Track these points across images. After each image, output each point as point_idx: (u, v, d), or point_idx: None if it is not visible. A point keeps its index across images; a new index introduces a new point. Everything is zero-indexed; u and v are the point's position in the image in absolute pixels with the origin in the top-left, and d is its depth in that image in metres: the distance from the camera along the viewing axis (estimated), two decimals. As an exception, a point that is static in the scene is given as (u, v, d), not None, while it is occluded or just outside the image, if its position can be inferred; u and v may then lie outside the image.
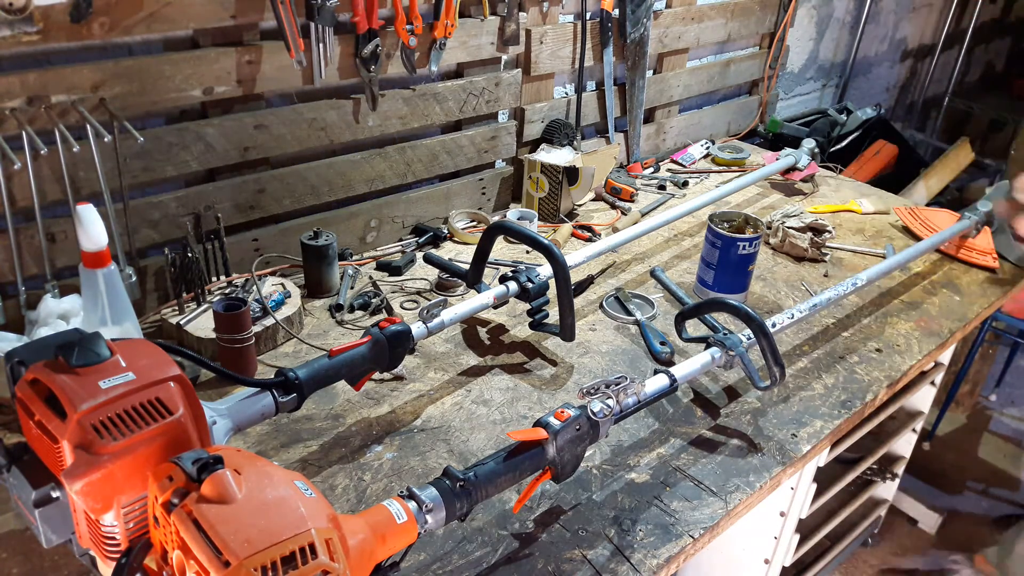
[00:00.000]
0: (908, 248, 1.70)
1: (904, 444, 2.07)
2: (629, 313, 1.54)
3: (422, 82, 1.68)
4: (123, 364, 0.79)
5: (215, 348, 1.29)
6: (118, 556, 0.76)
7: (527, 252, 1.75)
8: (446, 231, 1.78)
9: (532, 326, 1.42)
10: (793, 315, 1.39)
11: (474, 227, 1.85)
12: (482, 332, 1.48)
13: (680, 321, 1.35)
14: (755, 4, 2.34)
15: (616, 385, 1.08)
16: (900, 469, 2.10)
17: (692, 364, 1.23)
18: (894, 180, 2.48)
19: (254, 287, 1.42)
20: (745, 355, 1.26)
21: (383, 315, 1.49)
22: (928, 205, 2.35)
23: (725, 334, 1.28)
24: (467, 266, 1.45)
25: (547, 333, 1.43)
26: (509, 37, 1.75)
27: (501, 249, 1.75)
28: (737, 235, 1.54)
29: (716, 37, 2.29)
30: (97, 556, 0.80)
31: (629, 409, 1.10)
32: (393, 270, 1.62)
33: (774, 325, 1.34)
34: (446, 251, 1.74)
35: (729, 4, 2.26)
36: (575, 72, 1.97)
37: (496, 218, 1.85)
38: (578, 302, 1.58)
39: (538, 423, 1.00)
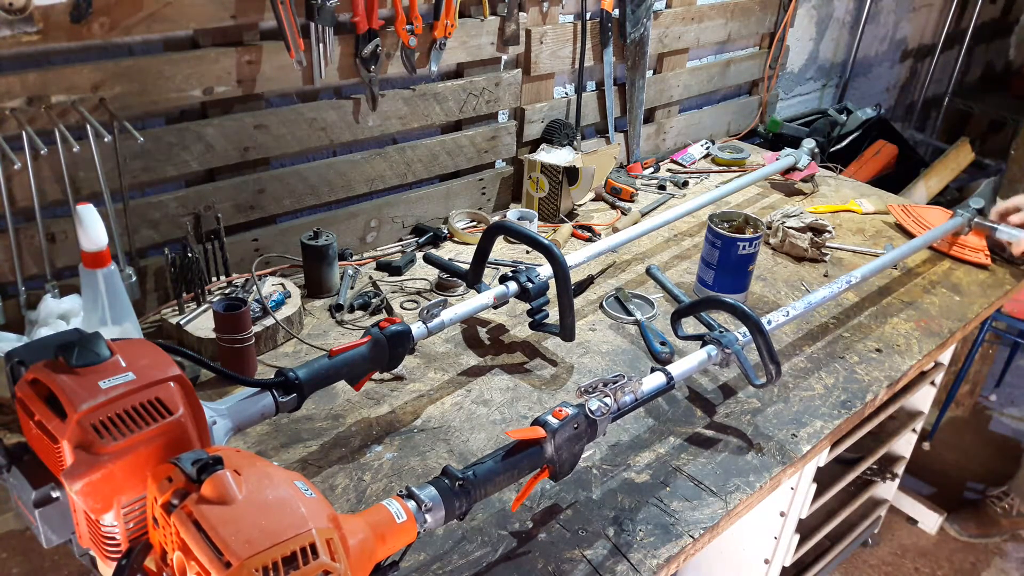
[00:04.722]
0: (902, 245, 1.70)
1: (904, 444, 2.07)
2: (629, 313, 1.54)
3: (422, 82, 1.68)
4: (123, 364, 0.79)
5: (215, 348, 1.29)
6: (118, 556, 0.76)
7: (527, 252, 1.75)
8: (446, 231, 1.78)
9: (532, 326, 1.42)
10: (788, 313, 1.39)
11: (474, 227, 1.85)
12: (482, 332, 1.48)
13: (676, 319, 1.35)
14: (755, 4, 2.34)
15: (614, 383, 1.08)
16: (900, 469, 2.10)
17: (688, 362, 1.23)
18: (894, 180, 2.48)
19: (254, 287, 1.42)
20: (741, 353, 1.26)
21: (383, 315, 1.50)
22: (928, 205, 2.35)
23: (721, 332, 1.28)
24: (467, 266, 1.45)
25: (547, 333, 1.43)
26: (509, 37, 1.75)
27: (501, 249, 1.75)
28: (737, 235, 1.54)
29: (716, 37, 2.29)
30: (97, 556, 0.80)
31: (627, 407, 1.10)
32: (393, 270, 1.63)
33: (770, 323, 1.34)
34: (446, 251, 1.74)
35: (729, 4, 2.26)
36: (575, 72, 1.98)
37: (496, 218, 1.85)
38: (578, 302, 1.58)
39: (536, 421, 1.00)
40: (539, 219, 1.85)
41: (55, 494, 0.79)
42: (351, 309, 1.50)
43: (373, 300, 1.50)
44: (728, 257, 1.55)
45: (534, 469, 0.99)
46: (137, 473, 0.75)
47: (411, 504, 0.87)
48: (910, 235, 1.90)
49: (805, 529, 1.69)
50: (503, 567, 1.00)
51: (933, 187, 2.51)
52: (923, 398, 1.96)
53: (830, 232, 1.78)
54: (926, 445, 2.74)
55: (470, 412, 1.26)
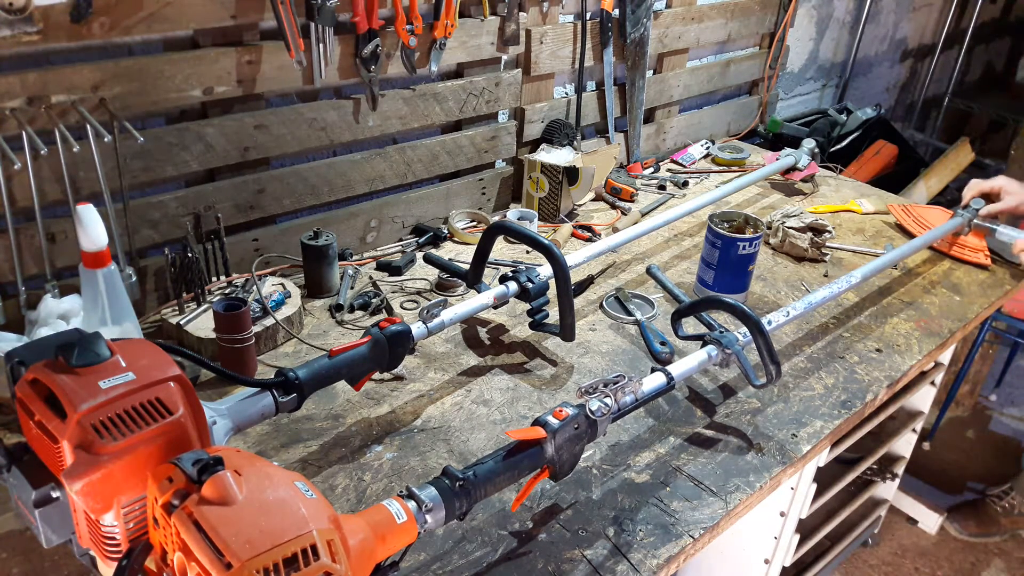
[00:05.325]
0: (902, 245, 1.70)
1: (904, 444, 2.07)
2: (629, 313, 1.54)
3: (422, 82, 1.68)
4: (123, 364, 0.79)
5: (215, 348, 1.29)
6: (118, 556, 0.76)
7: (527, 252, 1.75)
8: (446, 231, 1.78)
9: (532, 326, 1.42)
10: (788, 313, 1.39)
11: (474, 227, 1.85)
12: (482, 332, 1.48)
13: (676, 319, 1.35)
14: (755, 4, 2.34)
15: (614, 384, 1.08)
16: (900, 469, 2.10)
17: (688, 362, 1.23)
18: (894, 180, 2.48)
19: (254, 287, 1.42)
20: (741, 353, 1.26)
21: (383, 315, 1.50)
22: (928, 205, 2.35)
23: (721, 332, 1.28)
24: (467, 266, 1.45)
25: (547, 333, 1.43)
26: (509, 37, 1.75)
27: (501, 249, 1.75)
28: (737, 235, 1.54)
29: (716, 37, 2.29)
30: (97, 556, 0.80)
31: (627, 407, 1.10)
32: (393, 270, 1.63)
33: (770, 323, 1.34)
34: (446, 251, 1.74)
35: (729, 4, 2.26)
36: (575, 72, 1.97)
37: (496, 218, 1.85)
38: (578, 302, 1.58)
39: (536, 422, 1.00)
40: (539, 219, 1.85)
41: (55, 494, 0.79)
42: (351, 309, 1.50)
43: (373, 300, 1.50)
44: (728, 257, 1.55)
45: (534, 469, 0.99)
46: (137, 473, 0.75)
47: (411, 504, 0.87)
48: (910, 235, 1.90)
49: (805, 529, 1.69)
50: (503, 567, 1.00)
51: (933, 187, 2.51)
52: (923, 398, 1.96)
53: (830, 232, 1.78)
54: (926, 445, 2.74)
55: (470, 412, 1.26)
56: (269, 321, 1.36)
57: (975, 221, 1.82)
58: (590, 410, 1.04)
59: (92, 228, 1.10)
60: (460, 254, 1.71)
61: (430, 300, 1.51)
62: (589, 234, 1.83)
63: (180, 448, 0.78)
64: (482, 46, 1.72)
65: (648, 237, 1.83)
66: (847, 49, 3.00)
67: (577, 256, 1.52)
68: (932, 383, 1.90)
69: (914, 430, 2.02)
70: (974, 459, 2.76)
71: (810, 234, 1.77)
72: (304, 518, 0.69)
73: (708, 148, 2.33)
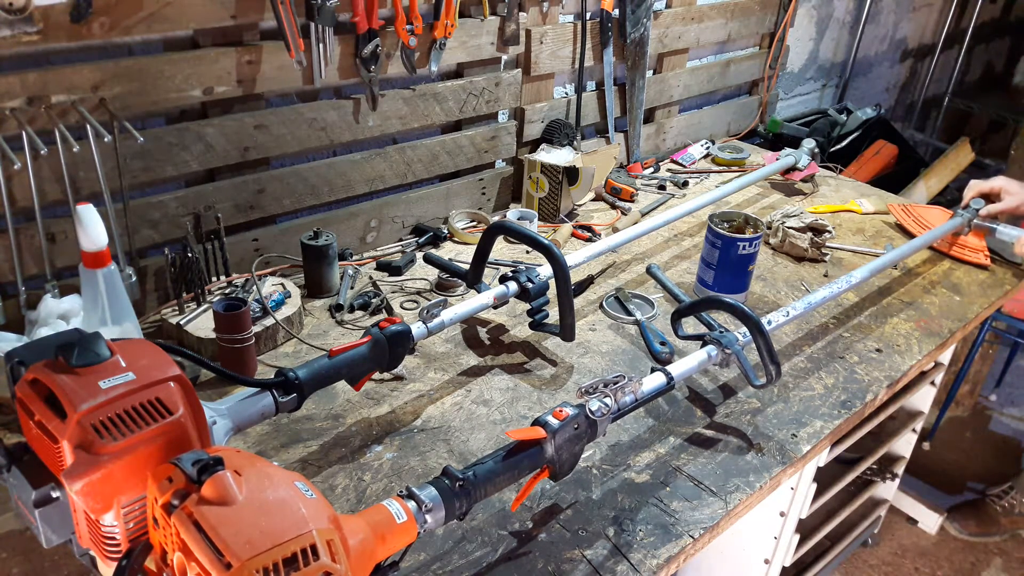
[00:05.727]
0: (902, 245, 1.70)
1: (904, 444, 2.08)
2: (629, 313, 1.54)
3: (422, 82, 1.68)
4: (123, 364, 0.79)
5: (215, 348, 1.29)
6: (118, 556, 0.76)
7: (527, 252, 1.75)
8: (446, 231, 1.78)
9: (532, 326, 1.42)
10: (788, 313, 1.39)
11: (474, 227, 1.85)
12: (482, 332, 1.48)
13: (676, 319, 1.35)
14: (755, 4, 2.34)
15: (614, 384, 1.08)
16: (900, 469, 2.10)
17: (688, 362, 1.23)
18: (894, 180, 2.48)
19: (254, 287, 1.42)
20: (741, 353, 1.26)
21: (383, 315, 1.50)
22: (928, 205, 2.35)
23: (721, 332, 1.28)
24: (467, 266, 1.45)
25: (547, 333, 1.43)
26: (509, 37, 1.75)
27: (501, 249, 1.75)
28: (737, 235, 1.54)
29: (716, 37, 2.29)
30: (97, 556, 0.80)
31: (627, 407, 1.10)
32: (393, 270, 1.63)
33: (770, 323, 1.34)
34: (446, 251, 1.74)
35: (729, 4, 2.26)
36: (575, 72, 1.97)
37: (496, 218, 1.85)
38: (578, 302, 1.58)
39: (536, 422, 1.00)
40: (539, 219, 1.85)
41: (55, 494, 0.79)
42: (351, 309, 1.50)
43: (373, 300, 1.50)
44: (728, 257, 1.55)
45: (534, 469, 0.99)
46: (137, 473, 0.75)
47: (411, 504, 0.87)
48: (910, 235, 1.90)
49: (805, 529, 1.69)
50: (503, 567, 1.00)
51: (933, 187, 2.51)
52: (923, 398, 1.96)
53: (830, 232, 1.78)
54: (926, 445, 2.74)
55: (470, 412, 1.26)
56: (269, 321, 1.36)
57: (975, 221, 1.82)
58: (590, 410, 1.04)
59: (92, 228, 1.10)
60: (460, 254, 1.71)
61: (430, 300, 1.51)
62: (589, 234, 1.83)
63: (180, 448, 0.78)
64: (482, 46, 1.72)
65: (648, 237, 1.83)
66: (847, 49, 3.00)
67: (577, 256, 1.52)
68: (932, 383, 1.90)
69: (914, 430, 2.02)
70: (974, 459, 2.76)
71: (810, 234, 1.77)
72: (304, 518, 0.69)
73: (708, 148, 2.33)
